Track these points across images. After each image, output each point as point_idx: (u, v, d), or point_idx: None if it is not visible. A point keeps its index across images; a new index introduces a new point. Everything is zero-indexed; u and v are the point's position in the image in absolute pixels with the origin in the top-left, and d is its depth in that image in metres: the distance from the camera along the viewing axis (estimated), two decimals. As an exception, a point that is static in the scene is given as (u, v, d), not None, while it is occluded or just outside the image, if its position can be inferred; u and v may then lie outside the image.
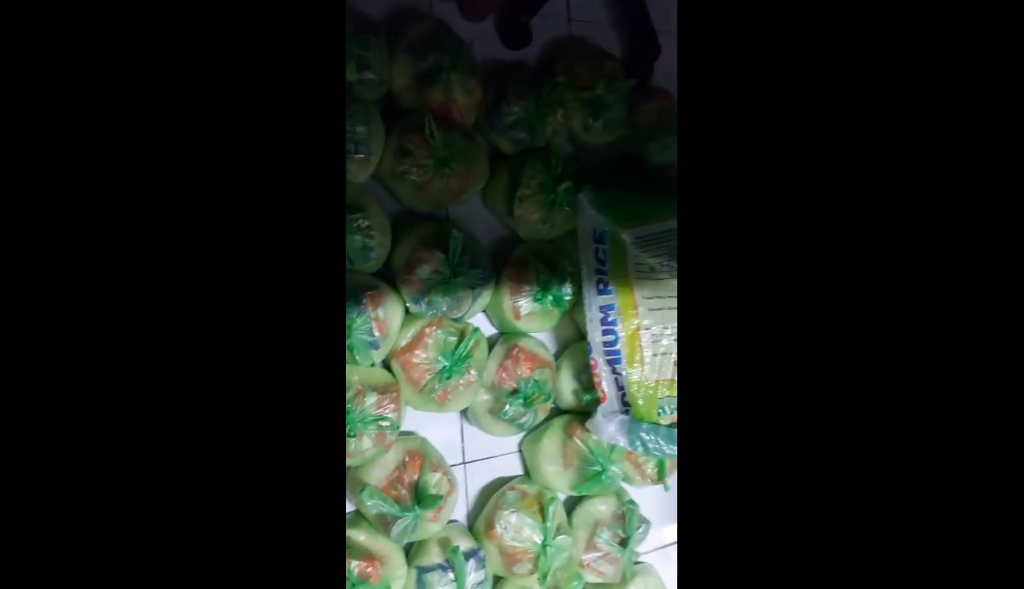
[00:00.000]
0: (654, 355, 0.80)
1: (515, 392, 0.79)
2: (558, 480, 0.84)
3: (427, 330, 0.75)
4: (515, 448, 0.89)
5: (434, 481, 0.73)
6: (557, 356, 0.89)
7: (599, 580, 0.86)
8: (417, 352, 0.74)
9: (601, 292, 0.81)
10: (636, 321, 0.79)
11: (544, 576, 0.77)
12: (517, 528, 0.78)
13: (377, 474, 0.72)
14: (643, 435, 0.79)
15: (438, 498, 0.71)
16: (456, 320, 0.77)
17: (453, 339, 0.76)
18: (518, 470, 0.89)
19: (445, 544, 0.75)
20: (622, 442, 0.79)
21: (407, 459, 0.73)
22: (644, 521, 0.89)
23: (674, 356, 0.81)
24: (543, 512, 0.80)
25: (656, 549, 0.99)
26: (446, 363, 0.74)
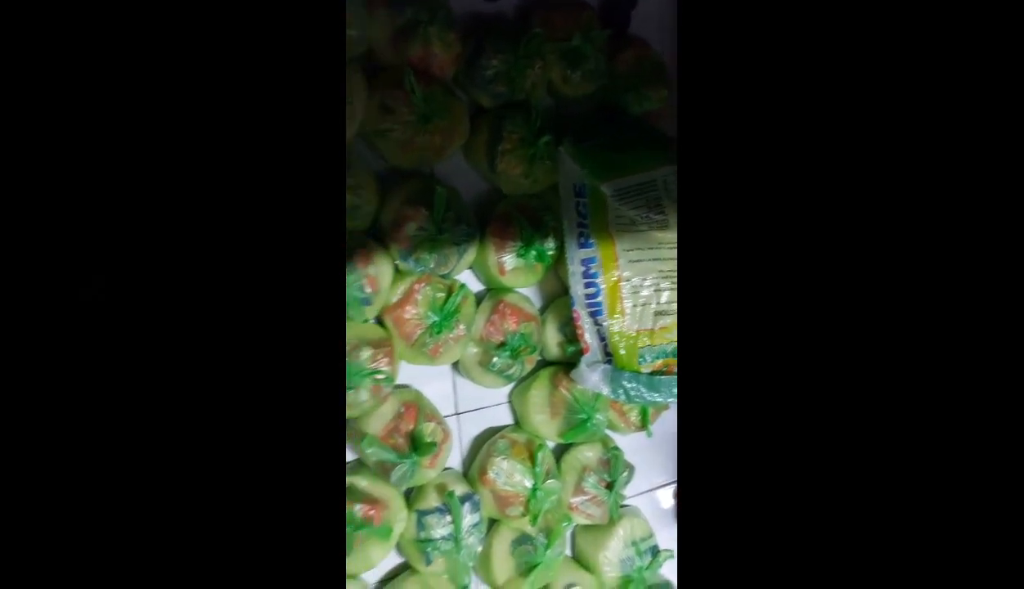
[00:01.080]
0: (634, 306, 0.82)
1: (502, 345, 0.81)
2: (546, 428, 0.87)
3: (416, 286, 0.76)
4: (505, 399, 0.91)
5: (429, 430, 0.75)
6: (542, 311, 0.91)
7: (588, 522, 0.90)
8: (408, 308, 0.76)
9: (583, 245, 0.82)
10: (617, 273, 0.81)
11: (535, 518, 0.81)
12: (508, 473, 0.81)
13: (375, 424, 0.74)
14: (625, 383, 0.82)
15: (433, 445, 0.74)
16: (443, 277, 0.79)
17: (441, 295, 0.77)
18: (508, 420, 0.92)
19: (442, 489, 0.78)
20: (605, 391, 0.82)
21: (403, 410, 0.75)
22: (628, 466, 0.93)
23: (653, 306, 0.83)
24: (532, 458, 0.83)
25: (641, 493, 1.03)
26: (436, 318, 0.76)
